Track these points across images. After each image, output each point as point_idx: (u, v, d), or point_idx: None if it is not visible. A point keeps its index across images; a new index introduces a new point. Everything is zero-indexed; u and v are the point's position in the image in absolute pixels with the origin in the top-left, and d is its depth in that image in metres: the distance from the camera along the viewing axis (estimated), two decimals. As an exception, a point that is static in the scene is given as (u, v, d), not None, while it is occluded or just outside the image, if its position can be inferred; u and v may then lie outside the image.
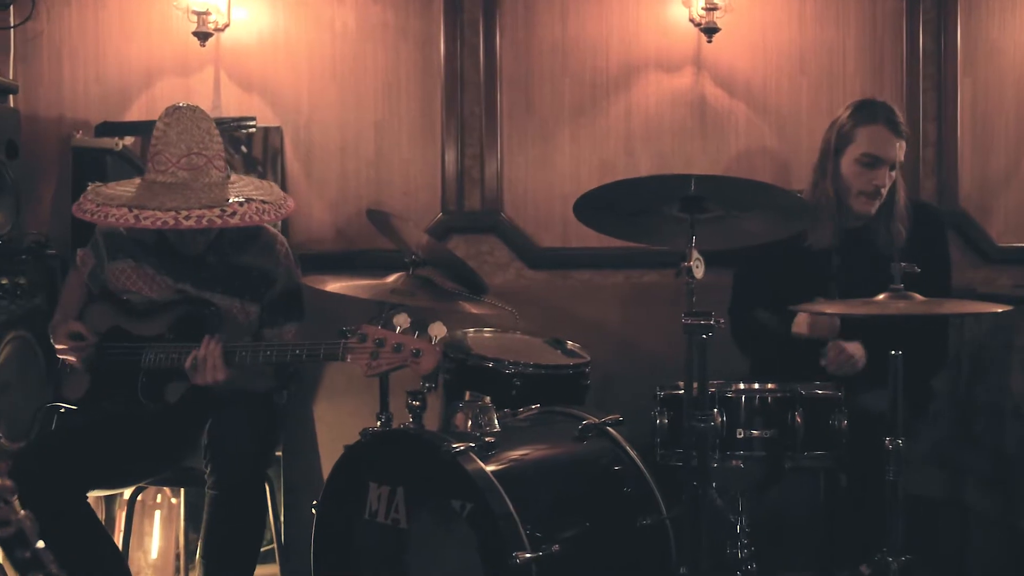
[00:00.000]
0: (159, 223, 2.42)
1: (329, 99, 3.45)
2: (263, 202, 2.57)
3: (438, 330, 2.36)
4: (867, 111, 2.82)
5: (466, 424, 2.41)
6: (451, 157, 3.44)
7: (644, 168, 3.45)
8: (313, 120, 3.45)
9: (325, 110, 3.44)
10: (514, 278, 3.49)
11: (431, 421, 2.68)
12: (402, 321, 2.39)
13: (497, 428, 2.42)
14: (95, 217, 2.51)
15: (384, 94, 3.45)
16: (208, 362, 2.43)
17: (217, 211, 2.46)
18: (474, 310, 2.85)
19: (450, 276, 2.97)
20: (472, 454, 2.21)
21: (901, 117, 2.84)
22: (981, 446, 3.11)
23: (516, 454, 2.36)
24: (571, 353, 3.05)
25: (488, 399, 2.83)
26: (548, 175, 3.46)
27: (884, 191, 2.82)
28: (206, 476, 2.47)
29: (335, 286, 2.68)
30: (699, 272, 2.17)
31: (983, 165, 3.51)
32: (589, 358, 2.99)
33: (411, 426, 2.41)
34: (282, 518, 3.19)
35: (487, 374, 2.82)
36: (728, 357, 3.15)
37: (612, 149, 3.47)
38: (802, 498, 2.96)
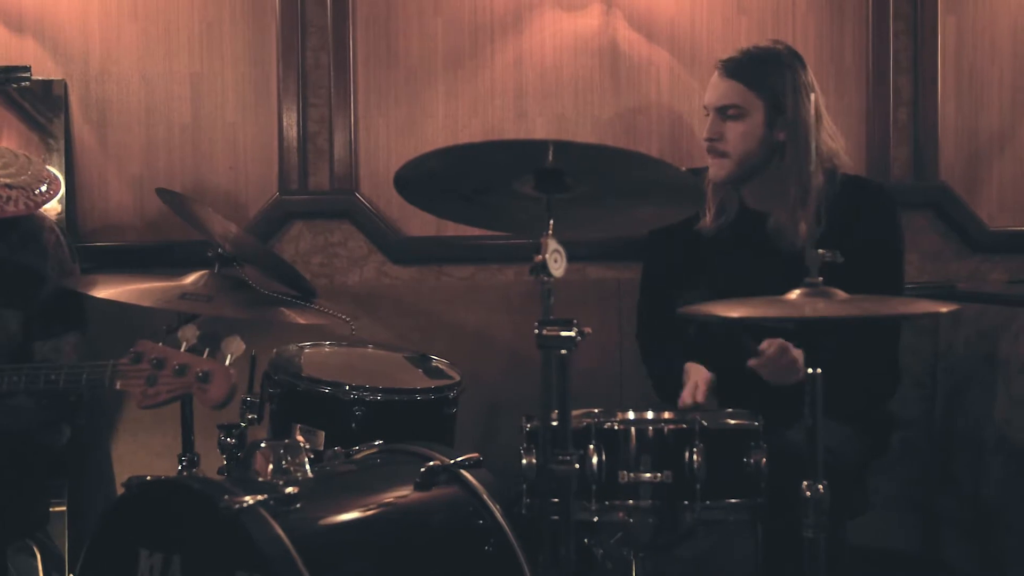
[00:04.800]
0: None
1: (129, 45, 3.33)
2: (7, 186, 2.45)
3: (234, 347, 2.29)
4: None
5: (267, 469, 2.29)
6: (290, 120, 3.34)
7: (540, 133, 3.38)
8: (108, 72, 3.33)
9: (124, 59, 3.33)
10: (374, 276, 3.40)
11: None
12: (189, 335, 2.31)
13: (308, 474, 2.30)
14: None
15: (202, 39, 3.34)
16: None
17: (-69, 198, 2.34)
18: (300, 320, 2.76)
19: (273, 276, 2.87)
20: (262, 511, 2.08)
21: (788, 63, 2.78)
22: (960, 488, 3.06)
23: (327, 510, 2.24)
24: (436, 372, 2.97)
25: (321, 434, 2.77)
26: (417, 143, 3.37)
27: (725, 147, 2.78)
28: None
29: (109, 291, 2.55)
30: (558, 268, 2.07)
31: (970, 128, 3.47)
32: (458, 378, 2.92)
33: (192, 474, 2.30)
34: (65, 591, 3.07)
35: (323, 401, 2.74)
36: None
37: (499, 109, 3.39)
38: (735, 552, 2.90)
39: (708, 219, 2.85)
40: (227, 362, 2.27)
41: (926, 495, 3.20)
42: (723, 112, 2.78)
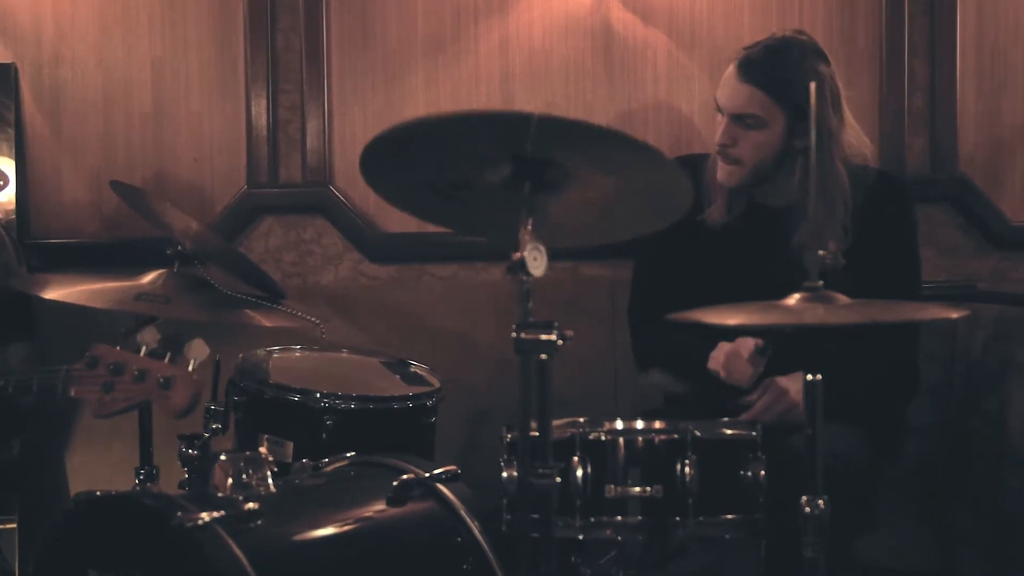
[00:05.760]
0: None
1: (85, 27, 3.32)
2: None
3: (198, 351, 2.30)
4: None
5: (226, 483, 2.27)
6: (260, 108, 3.33)
7: (528, 121, 3.36)
8: (62, 57, 3.33)
9: (80, 43, 3.32)
10: (350, 275, 3.40)
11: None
12: (149, 339, 2.31)
13: (271, 489, 2.28)
14: None
15: (164, 20, 3.34)
16: None
17: None
18: (267, 322, 2.75)
19: (238, 275, 2.87)
20: (219, 529, 2.07)
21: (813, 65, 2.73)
22: (978, 502, 3.06)
23: (291, 527, 2.23)
24: (415, 379, 2.96)
25: (289, 445, 2.77)
26: (395, 132, 3.36)
27: (739, 154, 2.77)
28: None
29: (58, 292, 2.55)
30: (538, 267, 2.04)
31: (992, 116, 3.45)
32: (438, 385, 2.91)
33: (146, 488, 2.30)
34: (16, 617, 3.06)
35: (292, 410, 2.74)
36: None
37: (483, 96, 3.38)
38: (735, 571, 2.89)
39: (717, 211, 2.85)
40: (190, 367, 2.28)
41: (941, 510, 3.19)
42: (740, 119, 2.76)
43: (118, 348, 2.32)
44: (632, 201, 2.19)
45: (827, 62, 2.79)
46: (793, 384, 2.62)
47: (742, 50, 2.79)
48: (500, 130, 2.09)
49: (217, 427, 2.67)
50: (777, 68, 2.74)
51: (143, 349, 2.30)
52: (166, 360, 2.29)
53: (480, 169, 2.12)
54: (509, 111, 2.29)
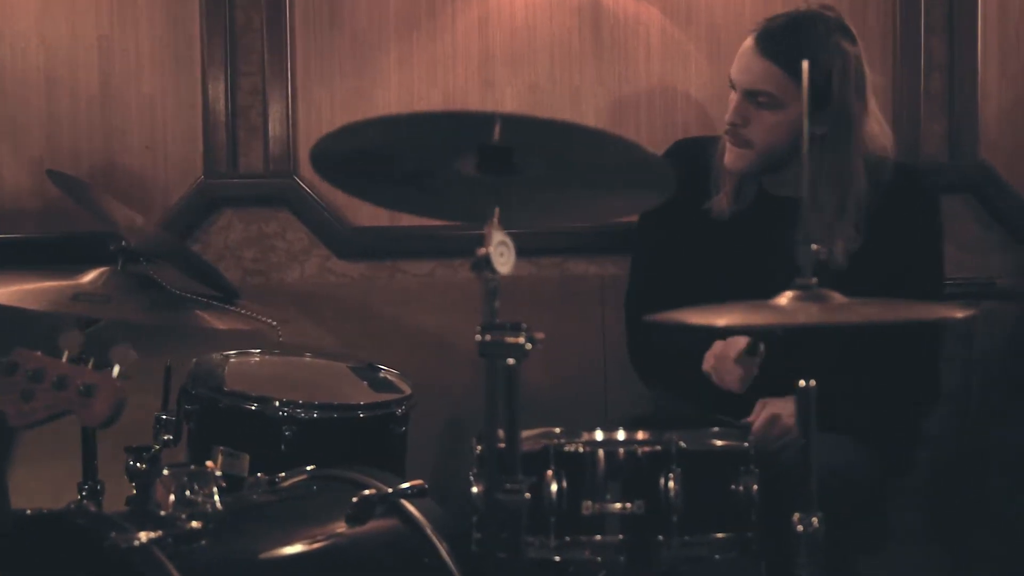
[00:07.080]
0: None
1: (25, 1, 3.32)
2: None
3: (122, 356, 2.26)
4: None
5: (168, 500, 2.26)
6: (217, 92, 3.32)
7: (510, 105, 3.35)
8: (0, 34, 3.33)
9: (19, 19, 3.32)
10: (317, 272, 3.39)
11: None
12: (71, 343, 2.28)
13: (218, 506, 2.26)
14: None
15: (112, -5, 3.34)
16: None
17: None
18: (219, 324, 2.76)
19: (189, 273, 2.88)
20: (156, 550, 2.05)
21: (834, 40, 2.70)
22: (997, 517, 3.05)
23: (238, 549, 2.21)
24: (384, 385, 2.96)
25: (245, 458, 2.76)
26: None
27: (749, 136, 2.75)
28: None
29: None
30: (504, 264, 2.04)
31: (1017, 98, 3.43)
32: (408, 391, 2.92)
33: (82, 506, 2.29)
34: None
35: (248, 420, 2.75)
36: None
37: (461, 78, 3.37)
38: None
39: (724, 200, 2.83)
40: (115, 373, 2.25)
41: (957, 525, 3.19)
42: (752, 96, 2.73)
43: (39, 353, 2.29)
44: (609, 186, 2.19)
45: (854, 41, 2.75)
46: (787, 407, 2.60)
47: (763, 21, 2.77)
48: (464, 123, 2.10)
49: (168, 438, 2.68)
50: (799, 44, 2.68)
51: (65, 354, 2.28)
52: (89, 365, 2.27)
53: (444, 160, 2.12)
54: (468, 111, 2.28)
